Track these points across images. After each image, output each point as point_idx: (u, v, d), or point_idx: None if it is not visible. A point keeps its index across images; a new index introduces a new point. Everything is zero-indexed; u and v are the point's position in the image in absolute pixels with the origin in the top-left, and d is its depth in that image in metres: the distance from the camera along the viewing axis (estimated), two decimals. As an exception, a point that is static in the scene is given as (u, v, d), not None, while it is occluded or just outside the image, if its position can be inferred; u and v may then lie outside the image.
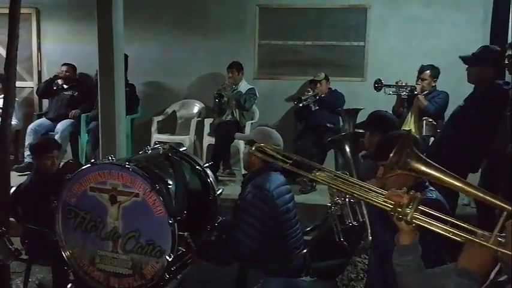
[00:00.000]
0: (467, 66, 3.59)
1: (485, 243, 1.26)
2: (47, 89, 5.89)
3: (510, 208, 1.24)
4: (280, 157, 1.80)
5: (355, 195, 1.53)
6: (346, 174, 2.49)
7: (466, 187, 1.31)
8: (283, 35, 5.84)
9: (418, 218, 1.36)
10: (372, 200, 1.48)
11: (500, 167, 3.44)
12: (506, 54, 3.60)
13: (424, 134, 3.59)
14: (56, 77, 5.81)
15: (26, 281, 3.23)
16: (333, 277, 2.40)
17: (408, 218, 1.35)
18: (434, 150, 3.61)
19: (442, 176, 1.34)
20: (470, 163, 3.50)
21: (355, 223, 2.28)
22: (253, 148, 1.79)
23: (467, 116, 3.48)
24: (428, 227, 1.35)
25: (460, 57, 3.60)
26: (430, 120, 3.62)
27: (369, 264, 2.14)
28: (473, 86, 3.68)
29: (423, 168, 1.37)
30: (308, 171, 1.78)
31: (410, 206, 1.35)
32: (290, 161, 1.76)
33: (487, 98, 3.41)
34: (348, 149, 2.47)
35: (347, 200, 2.39)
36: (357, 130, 2.70)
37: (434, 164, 1.38)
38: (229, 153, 5.40)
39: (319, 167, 1.74)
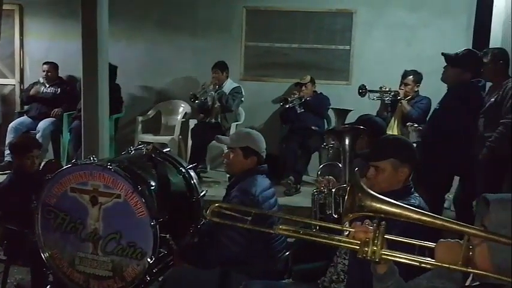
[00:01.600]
0: (444, 66, 3.66)
1: (454, 267, 1.26)
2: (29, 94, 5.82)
3: (472, 232, 1.24)
4: (239, 215, 1.74)
5: (318, 242, 1.48)
6: (338, 165, 2.56)
7: (430, 219, 1.29)
8: (269, 37, 5.85)
9: (386, 254, 1.34)
10: (337, 243, 1.46)
11: (476, 171, 3.51)
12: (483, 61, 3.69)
13: (411, 140, 3.63)
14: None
15: (5, 282, 3.16)
16: (315, 279, 2.40)
17: (376, 258, 1.32)
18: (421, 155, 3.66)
19: (401, 211, 1.32)
20: (451, 165, 3.55)
21: (335, 215, 2.30)
22: (208, 212, 1.70)
23: (444, 118, 3.53)
24: (397, 260, 1.34)
25: (443, 53, 3.66)
26: (416, 125, 3.66)
27: (349, 266, 2.15)
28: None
29: (379, 205, 1.33)
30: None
31: (376, 241, 1.32)
32: (249, 218, 1.71)
33: (461, 97, 3.48)
34: (347, 142, 2.49)
35: (333, 190, 2.41)
36: (357, 126, 2.71)
37: (389, 200, 1.36)
38: (205, 153, 5.41)
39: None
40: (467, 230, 1.24)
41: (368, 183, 2.19)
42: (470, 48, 4.84)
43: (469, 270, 1.25)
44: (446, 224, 1.26)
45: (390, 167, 2.13)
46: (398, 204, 1.35)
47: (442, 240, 1.35)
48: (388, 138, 2.68)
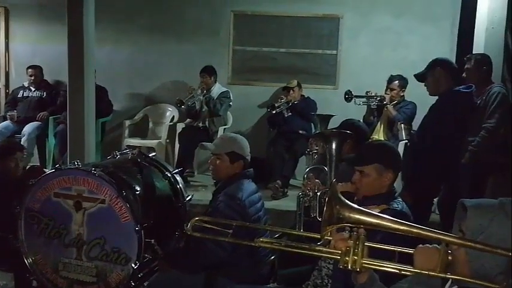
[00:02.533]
0: (425, 84, 3.69)
1: (433, 274, 1.28)
2: (14, 101, 5.76)
3: (449, 239, 1.26)
4: (220, 228, 1.75)
5: (301, 253, 1.50)
6: (324, 168, 2.58)
7: (407, 228, 1.31)
8: (257, 41, 5.87)
9: (367, 263, 1.35)
10: (319, 254, 1.47)
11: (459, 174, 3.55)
12: (465, 67, 3.73)
13: (400, 138, 3.64)
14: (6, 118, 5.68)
15: (-13, 288, 3.13)
16: (300, 283, 2.41)
17: (357, 267, 1.33)
18: (407, 161, 3.66)
19: (379, 222, 1.33)
20: (440, 172, 3.54)
21: (319, 218, 2.32)
22: (188, 226, 1.69)
23: (433, 126, 3.55)
24: (378, 268, 1.35)
25: (414, 75, 3.76)
26: (403, 122, 3.69)
27: (333, 270, 2.16)
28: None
29: (357, 216, 1.34)
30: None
31: (356, 250, 1.34)
32: (230, 231, 1.72)
33: (447, 105, 3.50)
34: (334, 146, 2.53)
35: (318, 193, 2.43)
36: (344, 131, 2.74)
37: (367, 210, 1.37)
38: (192, 157, 5.39)
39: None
40: (443, 237, 1.25)
41: (353, 188, 2.23)
42: (455, 54, 4.98)
43: (447, 276, 1.26)
44: (422, 232, 1.28)
45: (374, 172, 2.16)
46: (376, 215, 1.36)
47: (420, 245, 1.37)
48: (373, 143, 2.72)
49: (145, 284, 2.73)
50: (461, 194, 3.64)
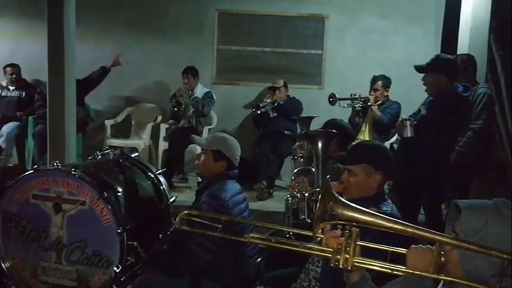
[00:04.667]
0: (423, 77, 3.53)
1: (425, 274, 1.25)
2: None
3: (444, 240, 1.24)
4: (210, 223, 1.73)
5: (293, 251, 1.48)
6: (311, 170, 2.54)
7: (402, 227, 1.28)
8: (242, 40, 5.83)
9: (358, 262, 1.33)
10: (309, 251, 1.45)
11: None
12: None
13: (406, 135, 3.49)
14: None
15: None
16: (287, 286, 2.38)
17: (349, 266, 1.31)
18: (399, 160, 3.59)
19: (373, 220, 1.30)
20: (433, 172, 3.45)
21: (308, 220, 2.28)
22: (177, 220, 1.67)
23: (428, 125, 3.44)
24: (370, 267, 1.33)
25: (414, 66, 3.57)
26: (409, 118, 3.55)
27: (321, 273, 2.13)
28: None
29: (350, 214, 1.31)
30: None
31: (348, 248, 1.31)
32: (219, 226, 1.70)
33: (445, 106, 3.37)
34: (320, 145, 2.49)
35: (306, 195, 2.39)
36: (330, 130, 2.70)
37: (361, 208, 1.35)
38: (183, 159, 5.31)
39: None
40: (438, 238, 1.23)
41: (341, 187, 2.18)
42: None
43: (440, 277, 1.24)
44: (417, 232, 1.25)
45: (362, 172, 2.12)
46: (370, 213, 1.33)
47: (413, 246, 1.35)
48: (363, 143, 2.69)
49: (128, 287, 2.66)
50: (448, 194, 3.65)
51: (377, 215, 1.33)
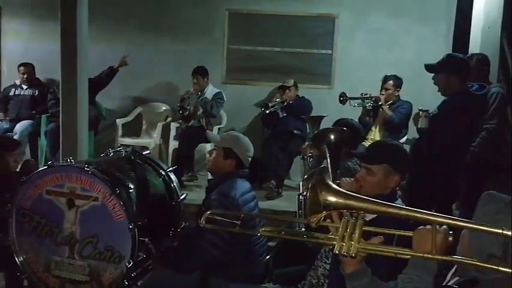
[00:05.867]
0: (433, 76, 3.45)
1: (428, 255, 1.26)
2: (6, 99, 5.70)
3: (443, 221, 1.24)
4: (228, 220, 1.79)
5: (299, 240, 1.52)
6: (326, 169, 2.51)
7: (396, 211, 1.29)
8: (252, 40, 5.84)
9: (363, 248, 1.33)
10: (316, 240, 1.46)
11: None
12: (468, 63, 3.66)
13: (420, 126, 3.46)
14: None
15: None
16: (295, 283, 2.39)
17: (353, 253, 1.30)
18: (411, 159, 3.53)
19: (368, 205, 1.30)
20: (443, 172, 3.37)
21: None
22: (202, 219, 1.73)
23: (440, 125, 3.38)
24: (373, 252, 1.34)
25: (425, 65, 3.50)
26: (426, 110, 3.50)
27: (330, 270, 2.14)
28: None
29: (344, 201, 1.30)
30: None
31: (353, 235, 1.31)
32: (238, 222, 1.73)
33: (458, 106, 3.30)
34: (332, 145, 2.44)
35: None
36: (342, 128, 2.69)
37: (354, 194, 1.34)
38: (192, 158, 5.34)
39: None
40: (431, 218, 1.24)
41: (356, 185, 2.15)
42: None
43: (444, 258, 1.24)
44: (410, 213, 1.26)
45: (382, 172, 2.08)
46: (363, 198, 1.33)
47: (419, 227, 1.35)
48: (386, 143, 2.65)
49: (138, 283, 2.69)
50: (457, 195, 3.62)
51: (371, 200, 1.32)
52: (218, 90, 5.41)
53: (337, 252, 1.32)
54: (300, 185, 2.65)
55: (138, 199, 2.55)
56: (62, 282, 2.57)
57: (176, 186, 2.92)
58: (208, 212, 1.77)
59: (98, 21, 5.27)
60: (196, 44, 5.82)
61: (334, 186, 1.34)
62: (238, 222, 1.72)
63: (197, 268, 2.56)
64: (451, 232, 1.27)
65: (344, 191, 1.34)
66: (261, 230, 1.60)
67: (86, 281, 2.53)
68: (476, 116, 3.40)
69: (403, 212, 1.26)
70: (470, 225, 1.18)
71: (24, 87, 5.69)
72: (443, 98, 3.64)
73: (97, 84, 5.31)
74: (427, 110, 3.42)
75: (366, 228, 1.34)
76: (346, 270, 1.45)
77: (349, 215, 1.36)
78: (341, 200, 1.31)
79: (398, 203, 2.12)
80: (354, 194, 1.35)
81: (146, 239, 2.48)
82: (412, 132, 4.83)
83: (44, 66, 5.76)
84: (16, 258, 2.62)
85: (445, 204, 3.67)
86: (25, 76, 5.65)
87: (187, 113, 5.28)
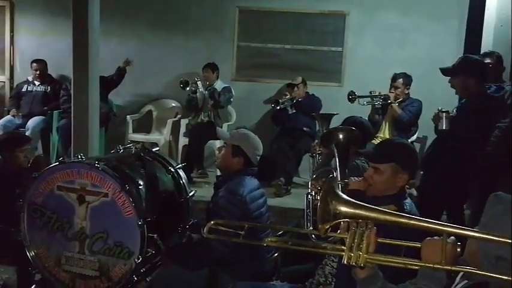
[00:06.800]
0: (449, 80, 3.42)
1: (438, 266, 1.26)
2: (19, 95, 5.75)
3: (451, 230, 1.24)
4: (232, 230, 1.76)
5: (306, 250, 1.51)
6: (333, 172, 2.51)
7: (406, 220, 1.28)
8: (262, 37, 5.84)
9: (371, 259, 1.32)
10: (323, 251, 1.48)
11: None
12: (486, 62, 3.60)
13: (440, 127, 3.39)
14: None
15: (-10, 281, 3.13)
16: (303, 281, 2.39)
17: (361, 263, 1.30)
18: (426, 161, 3.49)
19: (377, 215, 1.30)
20: (459, 173, 3.35)
21: None
22: (205, 230, 1.74)
23: (457, 127, 3.33)
24: (382, 263, 1.33)
25: (440, 69, 3.43)
26: (446, 110, 3.43)
27: (338, 268, 2.14)
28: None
29: (353, 210, 1.31)
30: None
31: (361, 245, 1.31)
32: (242, 232, 1.72)
33: (476, 108, 3.24)
34: (341, 143, 2.42)
35: None
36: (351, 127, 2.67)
37: (364, 204, 1.34)
38: (202, 155, 5.36)
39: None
40: (441, 228, 1.24)
41: (365, 185, 2.16)
42: (462, 53, 4.88)
43: (453, 268, 1.24)
44: (419, 223, 1.25)
45: (390, 170, 2.07)
46: (374, 208, 1.33)
47: (428, 238, 1.35)
48: (394, 141, 2.63)
49: (147, 279, 2.71)
50: (469, 195, 3.58)
51: (381, 210, 1.33)
52: (227, 85, 5.42)
53: (345, 262, 1.32)
54: (309, 183, 2.65)
55: (148, 195, 2.57)
56: (72, 277, 2.60)
57: (185, 183, 2.94)
58: (212, 222, 1.78)
59: (109, 17, 5.31)
60: (207, 41, 5.84)
61: (344, 196, 1.35)
62: (242, 233, 1.72)
63: (205, 265, 2.58)
64: (459, 243, 1.26)
65: (354, 200, 1.34)
66: (267, 240, 1.61)
67: (95, 276, 2.55)
68: (495, 118, 3.34)
69: (412, 222, 1.26)
70: (479, 235, 1.17)
71: (37, 83, 5.75)
72: (453, 95, 3.62)
73: (110, 85, 5.37)
74: (447, 111, 3.33)
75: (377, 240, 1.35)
76: (358, 276, 1.44)
77: (356, 225, 1.36)
78: (350, 210, 1.31)
79: (408, 202, 2.12)
80: (363, 204, 1.35)
81: (155, 235, 2.50)
82: (422, 131, 4.82)
83: (56, 62, 5.82)
84: (27, 253, 2.65)
85: (458, 203, 3.65)
86: (37, 72, 5.71)
87: (195, 101, 5.26)
